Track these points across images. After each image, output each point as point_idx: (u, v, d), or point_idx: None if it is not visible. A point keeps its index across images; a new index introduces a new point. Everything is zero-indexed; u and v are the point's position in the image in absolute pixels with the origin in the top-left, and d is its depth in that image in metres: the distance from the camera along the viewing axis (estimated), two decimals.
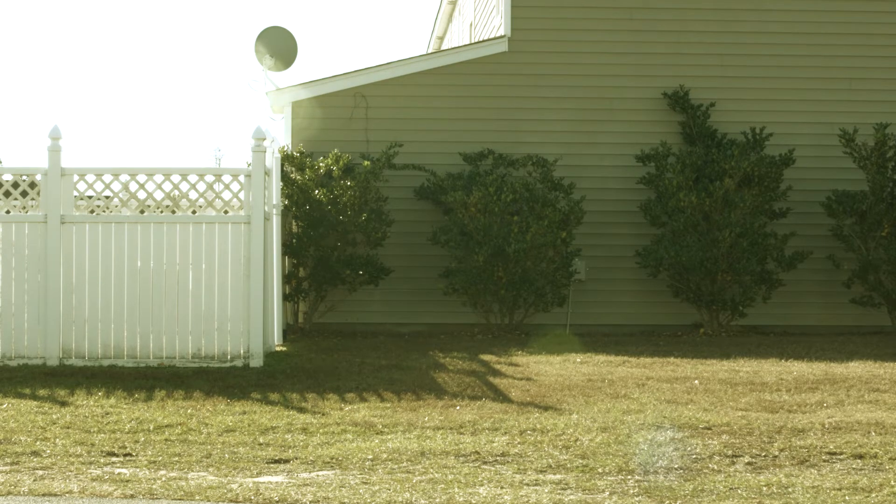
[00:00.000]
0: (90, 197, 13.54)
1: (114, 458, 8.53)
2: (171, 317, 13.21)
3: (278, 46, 19.64)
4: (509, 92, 18.25)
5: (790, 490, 7.63)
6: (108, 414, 10.14)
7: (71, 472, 8.09)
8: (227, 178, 13.51)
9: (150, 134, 62.74)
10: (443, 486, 7.68)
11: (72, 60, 68.60)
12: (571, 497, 7.53)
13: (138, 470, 8.17)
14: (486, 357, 14.19)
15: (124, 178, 13.42)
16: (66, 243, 13.21)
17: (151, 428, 9.56)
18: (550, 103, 18.23)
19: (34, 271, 13.21)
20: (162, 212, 13.74)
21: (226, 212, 13.75)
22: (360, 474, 8.04)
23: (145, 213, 13.52)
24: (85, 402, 10.74)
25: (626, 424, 9.62)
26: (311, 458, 8.52)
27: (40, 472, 8.07)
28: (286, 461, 8.45)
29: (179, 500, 7.49)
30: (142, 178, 13.39)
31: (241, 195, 13.44)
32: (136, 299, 13.20)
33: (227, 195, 13.61)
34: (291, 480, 7.87)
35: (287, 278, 17.09)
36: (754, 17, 18.44)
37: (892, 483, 7.80)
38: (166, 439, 9.15)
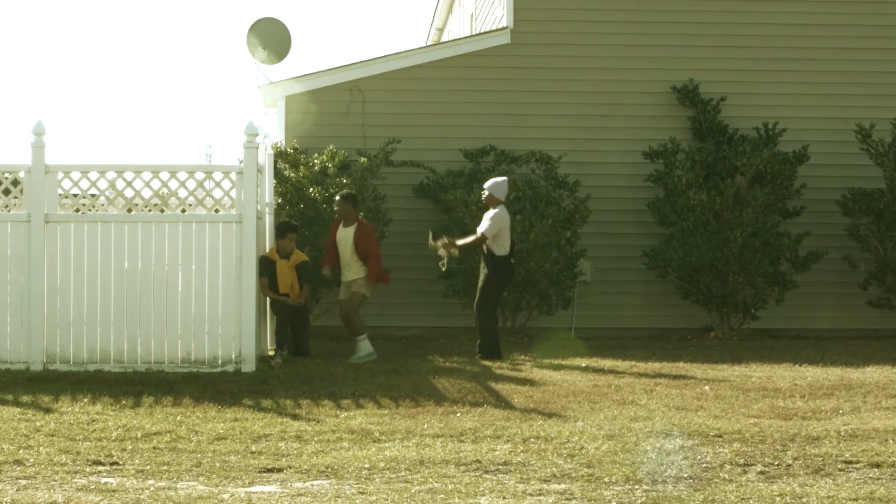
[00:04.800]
0: (75, 195, 13.54)
1: (100, 467, 8.52)
2: (159, 320, 13.20)
3: (271, 38, 19.66)
4: (512, 86, 18.25)
5: (804, 500, 7.63)
6: (93, 421, 10.14)
7: (55, 481, 8.09)
8: (217, 176, 13.51)
9: (138, 130, 62.73)
10: (442, 496, 7.68)
11: (57, 55, 68.56)
12: None
13: (125, 479, 8.16)
14: (488, 361, 14.19)
15: (111, 175, 13.41)
16: (50, 243, 13.20)
17: (139, 436, 9.55)
18: (555, 97, 18.23)
19: (17, 272, 13.20)
20: (150, 210, 13.74)
21: (217, 210, 13.75)
22: (357, 484, 8.03)
23: (133, 212, 13.51)
24: (70, 408, 10.74)
25: (633, 432, 9.62)
26: (305, 466, 8.51)
27: (23, 482, 8.06)
28: (280, 470, 8.45)
29: None
30: (129, 175, 13.39)
31: (233, 193, 13.44)
32: (123, 302, 13.19)
33: (217, 193, 13.61)
34: (285, 490, 7.87)
35: None
36: (767, 7, 18.45)
37: None
38: (154, 447, 9.15)
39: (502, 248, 14.56)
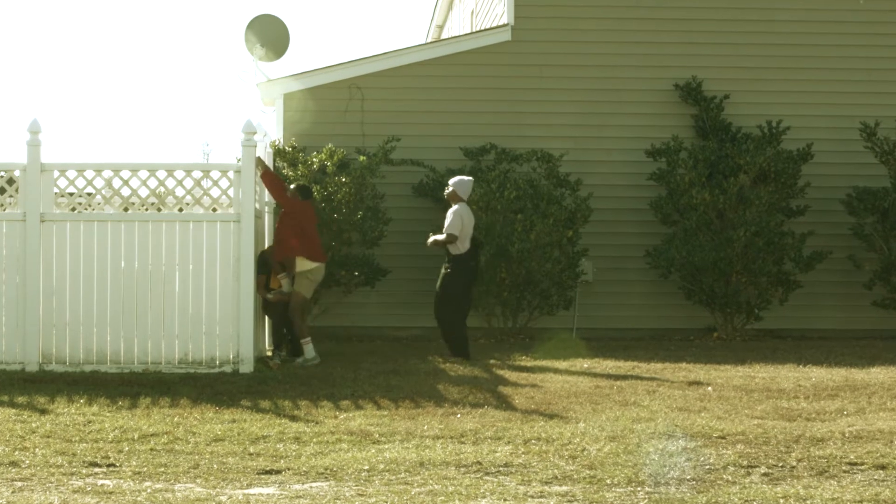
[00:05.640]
0: (71, 194, 13.54)
1: (96, 469, 8.53)
2: (156, 320, 13.20)
3: (269, 35, 19.65)
4: (513, 83, 18.25)
5: (809, 502, 7.63)
6: (90, 422, 10.14)
7: (51, 483, 8.09)
8: (215, 174, 13.51)
9: (135, 128, 62.73)
10: (443, 498, 7.68)
11: (53, 52, 68.56)
12: None
13: (122, 481, 8.16)
14: (489, 362, 14.19)
15: (107, 173, 13.42)
16: (45, 243, 13.20)
17: (136, 437, 9.56)
18: (556, 95, 18.23)
19: (12, 272, 13.20)
20: (147, 210, 13.74)
21: (214, 209, 13.75)
22: (356, 486, 8.04)
23: (129, 211, 13.51)
24: (66, 409, 10.74)
25: (635, 433, 9.62)
26: (304, 468, 8.52)
27: (19, 484, 8.06)
28: (278, 472, 8.45)
29: None
30: (125, 174, 13.39)
31: (231, 192, 13.44)
32: (119, 302, 13.20)
33: (215, 192, 13.61)
34: (283, 492, 7.87)
35: None
36: (770, 4, 18.44)
37: None
38: (151, 449, 9.15)
39: (458, 247, 14.46)
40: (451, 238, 14.42)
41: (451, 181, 14.81)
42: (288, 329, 14.57)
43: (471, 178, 15.03)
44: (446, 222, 14.54)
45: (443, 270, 14.63)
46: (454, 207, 14.54)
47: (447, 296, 14.51)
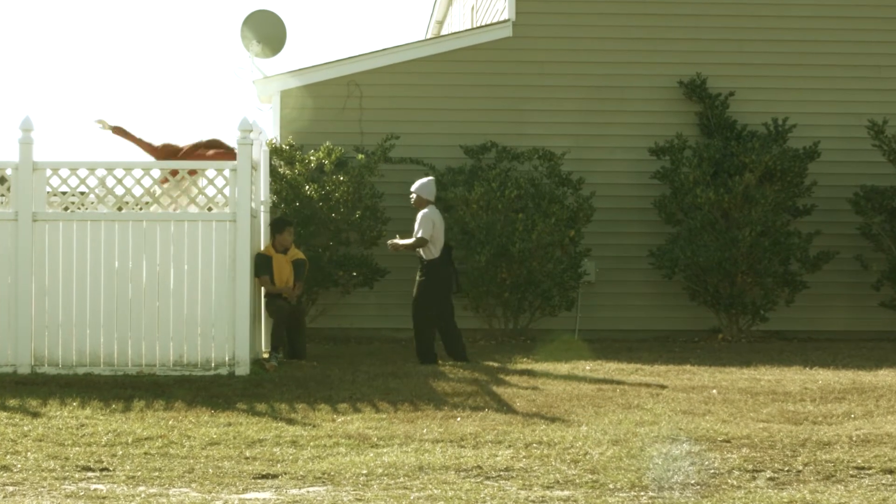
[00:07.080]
0: (64, 193, 13.53)
1: (89, 473, 8.53)
2: (150, 321, 13.20)
3: (266, 31, 19.66)
4: (514, 80, 18.25)
5: None
6: (83, 426, 10.13)
7: (43, 487, 8.09)
8: (210, 173, 13.51)
9: (130, 126, 62.67)
10: (442, 502, 7.68)
11: (46, 49, 68.56)
12: None
13: (116, 486, 8.16)
14: (489, 364, 14.19)
15: (101, 172, 13.41)
16: (38, 243, 13.19)
17: (130, 441, 9.55)
18: (558, 92, 18.23)
19: (4, 272, 13.19)
20: (141, 209, 13.73)
21: (210, 209, 13.74)
22: (354, 490, 8.04)
23: (123, 211, 13.50)
24: (58, 412, 10.74)
25: (639, 437, 9.62)
26: (301, 472, 8.51)
27: (10, 489, 8.06)
28: (274, 476, 8.45)
29: None
30: (119, 172, 13.38)
31: (226, 191, 13.43)
32: (113, 303, 13.19)
33: (210, 191, 13.59)
34: (280, 497, 7.87)
35: None
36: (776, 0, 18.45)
37: None
38: (146, 453, 9.15)
39: (430, 252, 14.30)
40: (421, 242, 14.25)
41: (414, 186, 14.58)
42: (288, 331, 14.56)
43: (432, 178, 14.83)
44: (416, 227, 14.34)
45: (417, 277, 14.44)
46: (423, 211, 14.35)
47: (421, 303, 14.30)
